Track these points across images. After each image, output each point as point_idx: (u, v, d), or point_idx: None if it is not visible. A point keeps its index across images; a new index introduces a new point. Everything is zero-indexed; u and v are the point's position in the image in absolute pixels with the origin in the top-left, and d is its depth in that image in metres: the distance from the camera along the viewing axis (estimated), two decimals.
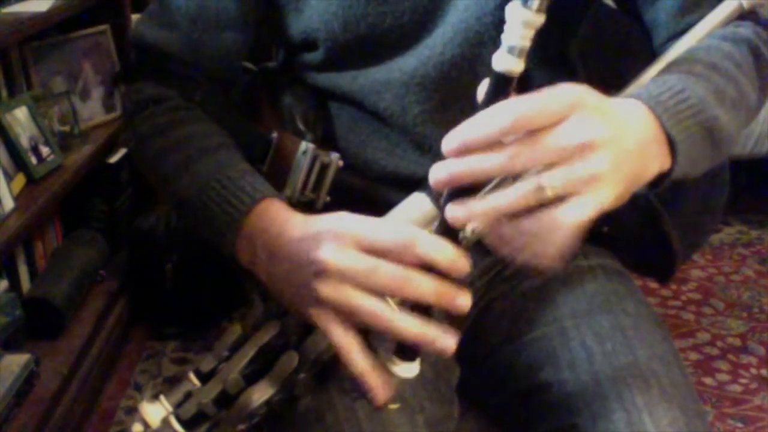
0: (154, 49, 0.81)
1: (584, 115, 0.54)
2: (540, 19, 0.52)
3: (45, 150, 1.68)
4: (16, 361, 1.48)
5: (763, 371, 1.84)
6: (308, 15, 0.78)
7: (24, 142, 1.62)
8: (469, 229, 0.58)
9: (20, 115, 1.65)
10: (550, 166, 0.53)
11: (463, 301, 0.58)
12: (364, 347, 0.61)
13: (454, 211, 0.55)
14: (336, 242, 0.60)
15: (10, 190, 1.51)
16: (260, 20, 0.82)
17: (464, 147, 0.54)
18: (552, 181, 0.53)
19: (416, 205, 0.67)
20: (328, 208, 0.79)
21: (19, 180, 1.61)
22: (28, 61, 1.80)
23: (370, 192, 0.81)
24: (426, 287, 0.57)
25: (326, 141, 0.82)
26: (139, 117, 0.79)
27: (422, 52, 0.77)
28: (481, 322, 0.85)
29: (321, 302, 0.61)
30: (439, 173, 0.54)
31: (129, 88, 0.83)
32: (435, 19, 0.77)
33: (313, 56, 0.81)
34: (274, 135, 0.80)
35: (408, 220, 0.67)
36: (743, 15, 0.73)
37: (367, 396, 0.63)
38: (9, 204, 1.49)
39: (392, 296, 0.58)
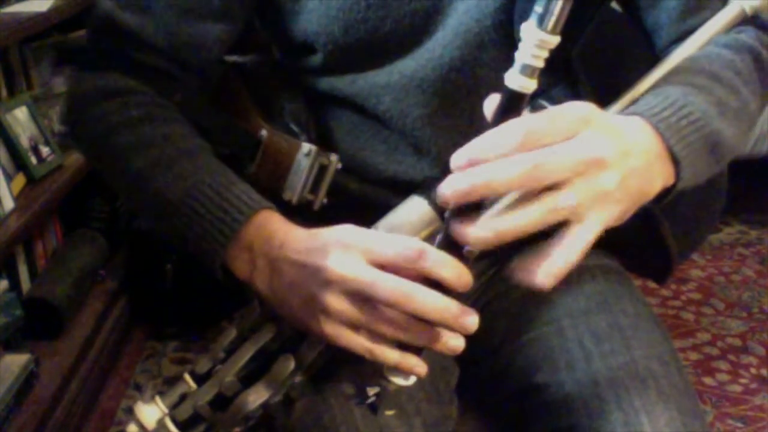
0: (125, 34, 0.74)
1: (593, 133, 0.54)
2: (555, 40, 0.52)
3: (45, 150, 1.68)
4: (16, 361, 1.49)
5: (763, 371, 1.84)
6: (307, 18, 0.77)
7: (24, 142, 1.63)
8: None
9: (20, 115, 1.66)
10: (558, 184, 0.53)
11: (471, 321, 0.58)
12: (380, 340, 0.60)
13: (461, 228, 0.55)
14: (343, 253, 0.59)
15: (10, 190, 1.51)
16: (248, 17, 0.79)
17: (473, 165, 0.53)
18: (565, 202, 0.53)
19: (414, 208, 0.67)
20: (325, 210, 0.78)
21: (19, 180, 1.61)
22: (28, 61, 1.80)
23: (368, 195, 0.81)
24: (432, 302, 0.57)
25: (323, 143, 0.81)
26: (105, 105, 0.73)
27: (422, 55, 0.77)
28: (479, 322, 0.85)
29: (328, 313, 0.60)
30: (446, 190, 0.54)
31: (91, 73, 0.77)
32: (435, 23, 0.76)
33: (313, 59, 0.80)
34: (264, 133, 0.78)
35: (406, 223, 0.67)
36: (746, 20, 0.73)
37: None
38: (9, 204, 1.49)
39: (397, 309, 0.58)
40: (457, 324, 0.58)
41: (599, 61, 0.78)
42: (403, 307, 0.57)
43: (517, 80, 0.53)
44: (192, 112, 0.75)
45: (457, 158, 0.54)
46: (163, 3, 0.74)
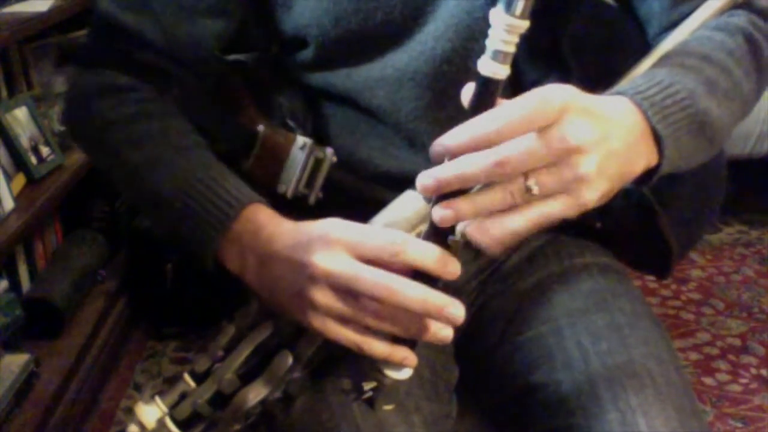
0: (124, 33, 0.75)
1: (571, 119, 0.54)
2: (524, 24, 0.52)
3: (45, 150, 1.69)
4: (16, 361, 1.49)
5: (763, 371, 1.84)
6: (299, 11, 0.77)
7: (24, 142, 1.63)
8: (458, 230, 0.58)
9: (20, 115, 1.66)
10: (537, 168, 0.53)
11: (455, 311, 0.58)
12: (369, 333, 0.61)
13: (442, 213, 0.55)
14: (327, 248, 0.60)
15: (10, 190, 1.51)
16: (244, 12, 0.80)
17: (450, 153, 0.54)
18: (539, 184, 0.53)
19: (409, 203, 0.67)
20: (320, 205, 0.78)
21: (19, 180, 1.61)
22: (28, 61, 1.80)
23: (363, 190, 0.81)
24: (413, 294, 0.57)
25: (318, 139, 0.82)
26: (101, 102, 0.75)
27: (414, 47, 0.77)
28: (477, 321, 0.85)
29: (315, 307, 0.61)
30: (426, 181, 0.55)
31: (90, 71, 0.78)
32: (426, 15, 0.76)
33: (305, 54, 0.80)
34: (261, 128, 0.79)
35: (401, 218, 0.66)
36: (737, 5, 0.73)
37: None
38: (9, 204, 1.49)
39: (380, 302, 0.58)
40: (441, 315, 0.58)
41: (591, 52, 0.78)
42: (386, 300, 0.58)
43: (489, 66, 0.53)
44: (189, 108, 0.77)
45: (435, 147, 0.55)
46: (161, 2, 0.75)
